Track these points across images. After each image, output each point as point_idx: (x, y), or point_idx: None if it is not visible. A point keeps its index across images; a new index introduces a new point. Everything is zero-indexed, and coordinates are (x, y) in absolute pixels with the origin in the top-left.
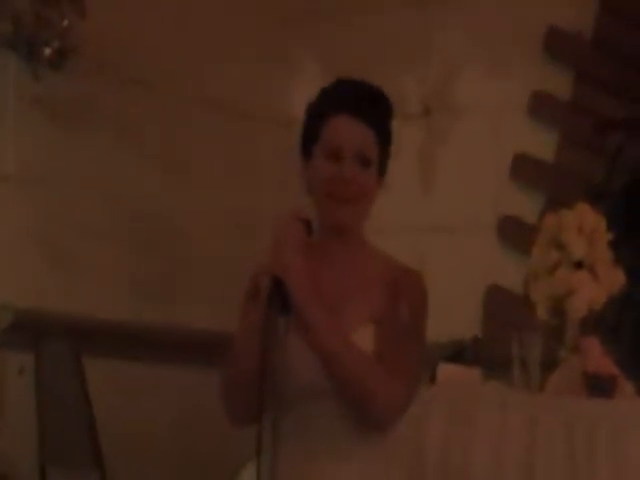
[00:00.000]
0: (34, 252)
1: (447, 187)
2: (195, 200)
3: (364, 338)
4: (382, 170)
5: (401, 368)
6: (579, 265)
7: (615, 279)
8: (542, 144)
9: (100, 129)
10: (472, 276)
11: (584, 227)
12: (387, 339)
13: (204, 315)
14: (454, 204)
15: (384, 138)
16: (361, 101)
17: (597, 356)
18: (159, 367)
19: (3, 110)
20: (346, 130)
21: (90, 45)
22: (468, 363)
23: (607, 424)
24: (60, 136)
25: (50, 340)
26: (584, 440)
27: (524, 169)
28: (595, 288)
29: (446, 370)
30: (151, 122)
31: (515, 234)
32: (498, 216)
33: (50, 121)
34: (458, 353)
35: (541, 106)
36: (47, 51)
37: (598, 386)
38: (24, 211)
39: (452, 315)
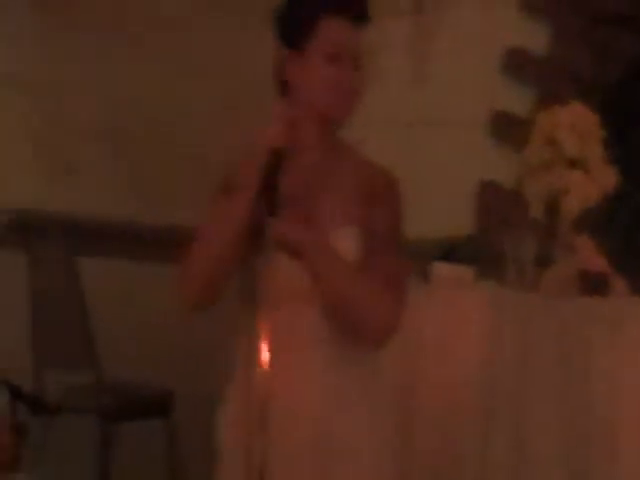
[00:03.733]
0: (31, 153)
1: (439, 82)
2: (190, 106)
3: (345, 238)
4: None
5: (391, 281)
6: (572, 163)
7: (608, 177)
8: (534, 37)
9: (98, 33)
10: (465, 172)
11: (577, 125)
12: (371, 250)
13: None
14: (446, 99)
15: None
16: (360, 3)
17: (590, 254)
18: (152, 265)
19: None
20: (347, 34)
21: None
22: (461, 261)
23: (601, 322)
24: (60, 41)
25: (45, 240)
26: (578, 339)
27: (516, 63)
28: (588, 186)
29: (440, 269)
30: (150, 28)
31: (507, 129)
32: (490, 111)
33: (51, 25)
34: (451, 251)
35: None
36: None
37: (592, 284)
38: (21, 113)
39: (445, 212)
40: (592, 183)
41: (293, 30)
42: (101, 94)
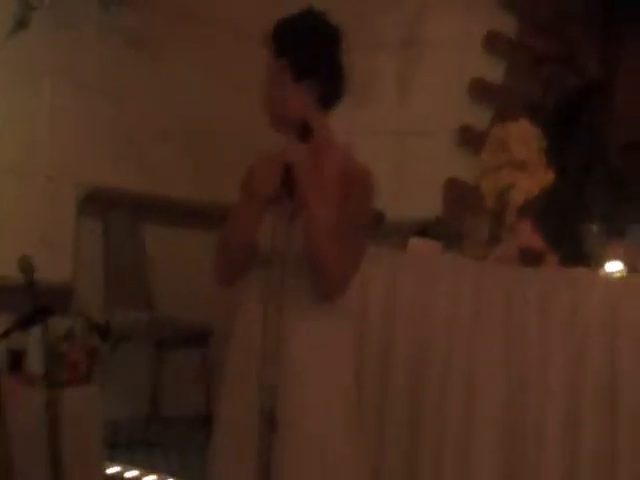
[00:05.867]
0: (107, 144)
1: (418, 102)
2: (225, 107)
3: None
4: (300, 76)
5: (352, 249)
6: (518, 165)
7: (546, 177)
8: (493, 71)
9: (149, 49)
10: (437, 170)
11: (523, 136)
12: (341, 225)
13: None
14: (424, 115)
15: (294, 55)
16: (274, 38)
17: (529, 234)
18: (199, 234)
19: (89, 31)
20: (269, 63)
21: None
22: (431, 237)
23: (536, 288)
24: (126, 54)
25: (115, 210)
26: (519, 301)
27: (479, 89)
28: (531, 183)
29: (415, 243)
30: (187, 47)
31: (470, 139)
32: (457, 124)
33: (119, 42)
34: (424, 229)
35: (493, 42)
36: None
37: (530, 258)
38: (102, 114)
39: (421, 200)
40: (533, 181)
41: None
42: (158, 99)
